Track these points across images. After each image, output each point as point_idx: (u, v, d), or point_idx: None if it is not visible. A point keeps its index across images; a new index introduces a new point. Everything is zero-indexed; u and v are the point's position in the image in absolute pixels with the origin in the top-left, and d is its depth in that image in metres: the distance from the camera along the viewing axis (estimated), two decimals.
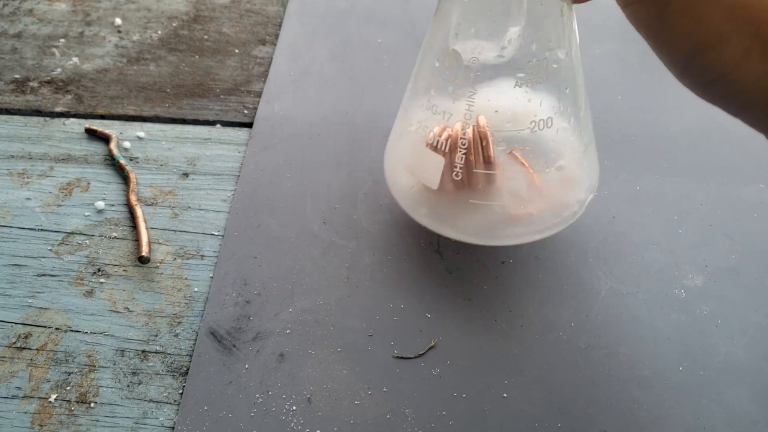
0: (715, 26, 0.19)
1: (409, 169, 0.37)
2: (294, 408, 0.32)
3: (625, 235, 0.40)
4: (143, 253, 0.37)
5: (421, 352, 0.35)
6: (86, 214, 0.40)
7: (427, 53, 0.34)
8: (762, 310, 0.36)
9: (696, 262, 0.39)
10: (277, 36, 0.54)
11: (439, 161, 0.34)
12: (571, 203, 0.36)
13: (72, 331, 0.35)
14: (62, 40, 0.53)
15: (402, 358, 0.34)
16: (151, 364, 0.34)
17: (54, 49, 0.52)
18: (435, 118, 0.35)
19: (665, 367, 0.34)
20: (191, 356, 0.34)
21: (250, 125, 0.46)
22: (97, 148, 0.44)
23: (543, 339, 0.35)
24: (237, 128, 0.46)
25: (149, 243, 0.38)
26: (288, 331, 0.35)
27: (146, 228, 0.39)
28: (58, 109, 0.47)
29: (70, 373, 0.34)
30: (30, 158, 0.43)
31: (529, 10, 0.31)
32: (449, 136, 0.34)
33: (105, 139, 0.44)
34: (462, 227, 0.36)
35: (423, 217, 0.37)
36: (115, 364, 0.34)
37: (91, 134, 0.45)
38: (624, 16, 0.23)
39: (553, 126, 0.34)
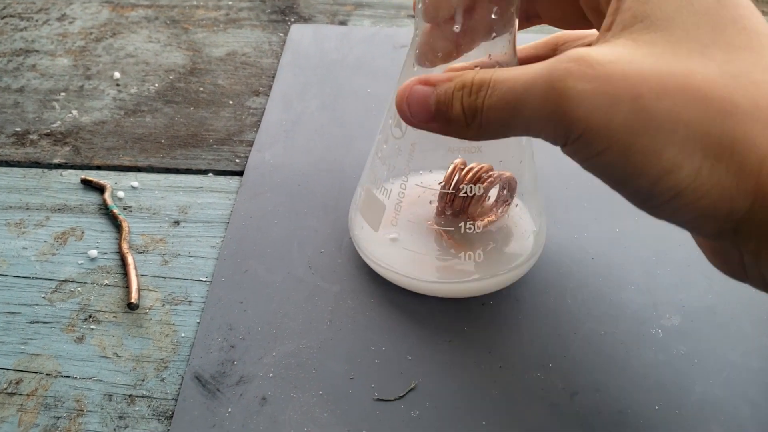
0: (671, 158, 0.24)
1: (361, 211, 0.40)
2: None
3: (604, 277, 0.41)
4: (132, 300, 0.38)
5: (402, 395, 0.35)
6: (80, 262, 0.42)
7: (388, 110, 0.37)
8: (738, 349, 0.37)
9: (673, 302, 0.39)
10: (270, 87, 0.56)
11: (381, 206, 0.38)
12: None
13: (62, 376, 0.36)
14: (63, 94, 0.55)
15: (382, 400, 0.35)
16: (137, 408, 0.35)
17: (54, 103, 0.54)
18: (383, 169, 0.38)
19: (641, 407, 0.35)
20: (176, 400, 0.35)
21: (241, 173, 0.48)
22: (92, 198, 0.46)
23: (521, 380, 0.36)
24: (228, 177, 0.48)
25: (138, 290, 0.39)
26: (271, 375, 0.36)
27: (136, 275, 0.40)
28: (56, 161, 0.49)
29: (58, 418, 0.34)
30: (27, 209, 0.45)
31: None
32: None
33: (100, 189, 0.46)
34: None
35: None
36: (102, 409, 0.35)
37: (87, 185, 0.47)
38: None
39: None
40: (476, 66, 0.32)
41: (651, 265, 0.41)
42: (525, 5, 0.32)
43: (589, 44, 0.28)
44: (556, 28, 0.33)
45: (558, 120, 0.25)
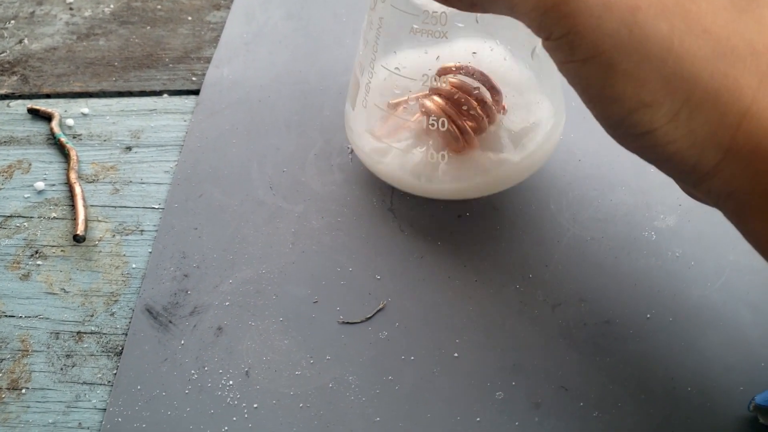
0: (653, 91, 0.21)
1: None
2: (231, 383, 0.31)
3: (591, 179, 0.37)
4: (78, 232, 0.36)
5: (369, 316, 0.33)
6: (26, 195, 0.39)
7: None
8: (739, 248, 0.33)
9: (668, 202, 0.36)
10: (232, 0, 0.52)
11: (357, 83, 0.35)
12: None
13: (6, 316, 0.34)
14: (12, 22, 0.52)
15: (348, 323, 0.32)
16: (85, 346, 0.32)
17: (3, 31, 0.51)
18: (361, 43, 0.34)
19: (630, 316, 0.32)
20: (127, 335, 0.33)
21: (197, 92, 0.44)
22: (40, 128, 0.43)
23: (498, 294, 0.33)
24: (184, 97, 0.44)
25: (86, 221, 0.36)
26: (227, 303, 0.33)
27: (84, 206, 0.37)
28: (2, 92, 0.45)
29: (2, 360, 0.32)
30: None
31: None
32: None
33: (47, 118, 0.43)
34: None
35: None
36: (49, 348, 0.32)
37: (34, 114, 0.43)
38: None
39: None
40: None
41: (643, 163, 0.37)
42: None
43: None
44: None
45: (546, 8, 0.22)
